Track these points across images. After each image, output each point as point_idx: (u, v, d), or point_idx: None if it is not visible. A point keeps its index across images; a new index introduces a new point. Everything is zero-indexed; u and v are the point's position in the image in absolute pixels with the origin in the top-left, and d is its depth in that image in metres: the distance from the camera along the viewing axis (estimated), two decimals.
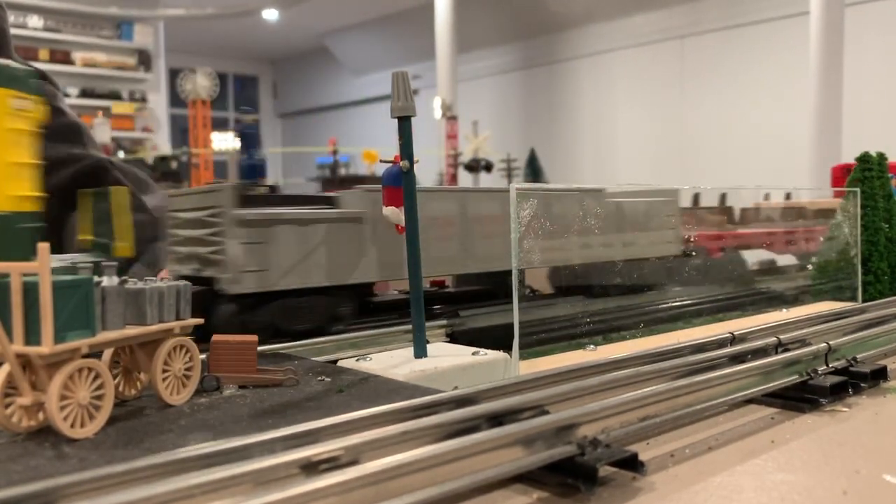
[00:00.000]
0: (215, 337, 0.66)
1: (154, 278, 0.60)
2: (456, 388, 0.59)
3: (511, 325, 0.70)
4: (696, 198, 1.68)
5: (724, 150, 7.39)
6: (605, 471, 0.48)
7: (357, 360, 0.74)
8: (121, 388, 0.61)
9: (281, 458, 0.41)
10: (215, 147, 8.88)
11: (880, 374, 0.73)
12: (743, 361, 0.70)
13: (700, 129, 7.82)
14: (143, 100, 10.47)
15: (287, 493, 0.38)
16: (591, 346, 0.86)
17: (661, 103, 8.37)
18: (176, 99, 10.19)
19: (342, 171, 9.37)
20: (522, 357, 0.72)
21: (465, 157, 8.13)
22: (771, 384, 0.67)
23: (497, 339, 0.79)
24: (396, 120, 0.75)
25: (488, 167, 8.02)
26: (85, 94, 9.75)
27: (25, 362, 0.51)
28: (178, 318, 0.61)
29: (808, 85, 5.61)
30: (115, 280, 0.56)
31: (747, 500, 0.46)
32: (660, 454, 0.54)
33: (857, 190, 1.15)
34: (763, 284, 1.36)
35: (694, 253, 1.28)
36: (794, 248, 1.59)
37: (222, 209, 0.82)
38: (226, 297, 0.81)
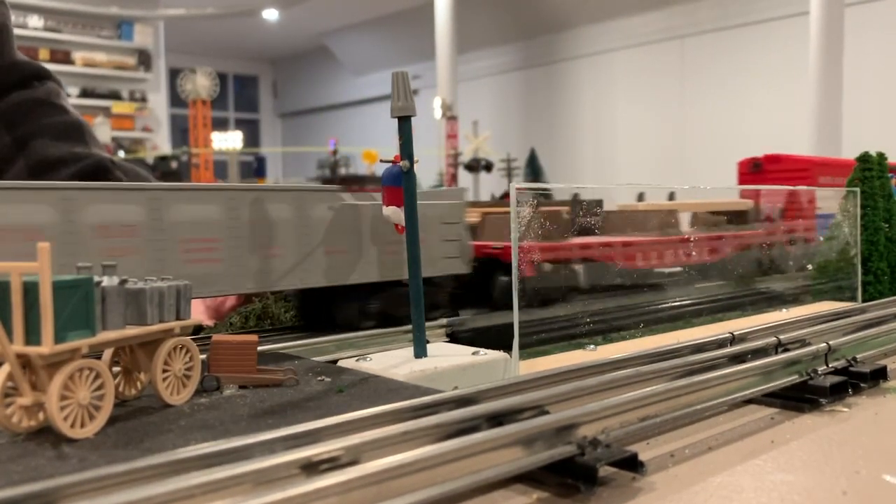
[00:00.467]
0: (215, 337, 0.67)
1: (154, 278, 0.60)
2: (456, 388, 0.59)
3: (511, 325, 0.70)
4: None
5: (723, 149, 7.37)
6: (604, 471, 0.48)
7: (357, 360, 0.74)
8: (121, 388, 0.61)
9: (281, 458, 0.41)
10: (215, 147, 8.88)
11: (880, 374, 0.73)
12: (743, 361, 0.70)
13: (700, 129, 7.82)
14: (143, 100, 10.47)
15: (287, 493, 0.38)
16: (591, 346, 0.86)
17: (661, 103, 8.36)
18: (176, 99, 10.19)
19: (342, 171, 9.37)
20: (522, 357, 0.72)
21: (465, 157, 8.14)
22: (771, 384, 0.67)
23: (497, 338, 0.79)
24: (396, 120, 0.75)
25: (488, 167, 8.02)
26: (85, 94, 9.75)
27: (25, 362, 0.51)
28: (178, 318, 0.61)
29: (808, 85, 5.61)
30: (116, 280, 0.56)
31: (747, 500, 0.46)
32: (660, 454, 0.54)
33: (858, 190, 1.15)
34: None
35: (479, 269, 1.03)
36: (675, 260, 1.31)
37: None
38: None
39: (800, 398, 0.67)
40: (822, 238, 1.38)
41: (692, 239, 1.38)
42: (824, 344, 0.74)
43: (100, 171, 1.26)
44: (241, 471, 0.39)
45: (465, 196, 1.02)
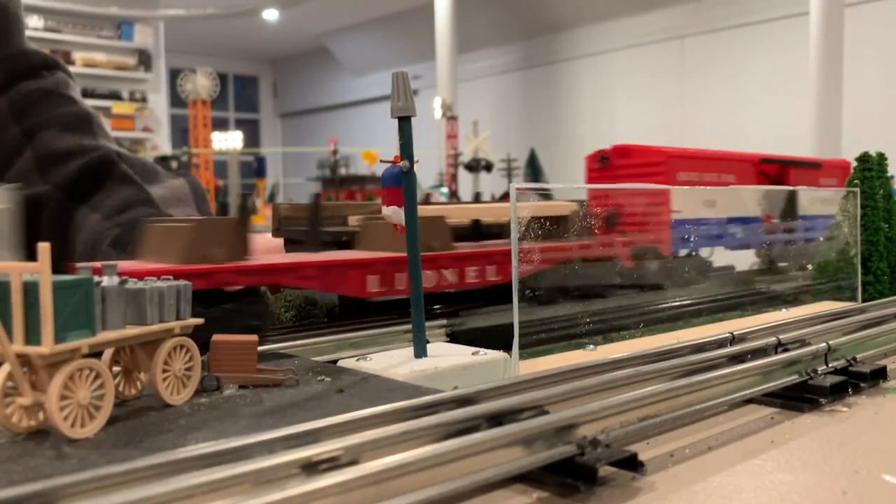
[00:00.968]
0: (215, 337, 0.67)
1: (154, 278, 0.60)
2: (456, 388, 0.59)
3: (511, 325, 0.70)
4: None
5: (723, 149, 7.38)
6: (604, 471, 0.48)
7: (357, 360, 0.74)
8: (121, 388, 0.61)
9: (281, 458, 0.41)
10: (215, 147, 8.88)
11: (880, 374, 0.73)
12: (743, 361, 0.70)
13: (700, 129, 7.82)
14: (144, 100, 10.47)
15: (287, 493, 0.38)
16: (591, 346, 0.86)
17: (661, 103, 8.36)
18: (176, 99, 10.19)
19: (342, 171, 9.37)
20: (522, 357, 0.72)
21: (465, 157, 8.13)
22: (771, 384, 0.67)
23: (497, 338, 0.79)
24: (396, 120, 0.75)
25: (488, 167, 8.01)
26: (85, 94, 9.74)
27: (25, 362, 0.51)
28: (178, 318, 0.61)
29: (808, 85, 5.61)
30: (116, 280, 0.56)
31: (747, 500, 0.46)
32: (660, 454, 0.55)
33: (858, 190, 1.15)
34: None
35: None
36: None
37: None
38: None
39: (800, 398, 0.67)
40: (682, 252, 1.34)
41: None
42: (824, 344, 0.74)
43: (105, 164, 1.25)
44: (241, 471, 0.39)
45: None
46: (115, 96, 10.22)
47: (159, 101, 10.61)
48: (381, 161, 0.89)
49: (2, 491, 0.35)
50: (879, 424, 0.62)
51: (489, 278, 1.02)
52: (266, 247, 1.12)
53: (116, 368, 0.60)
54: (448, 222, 1.03)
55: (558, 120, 9.50)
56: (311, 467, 0.42)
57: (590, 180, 1.47)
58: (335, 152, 9.05)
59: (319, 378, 0.68)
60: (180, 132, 11.23)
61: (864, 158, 1.19)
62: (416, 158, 0.76)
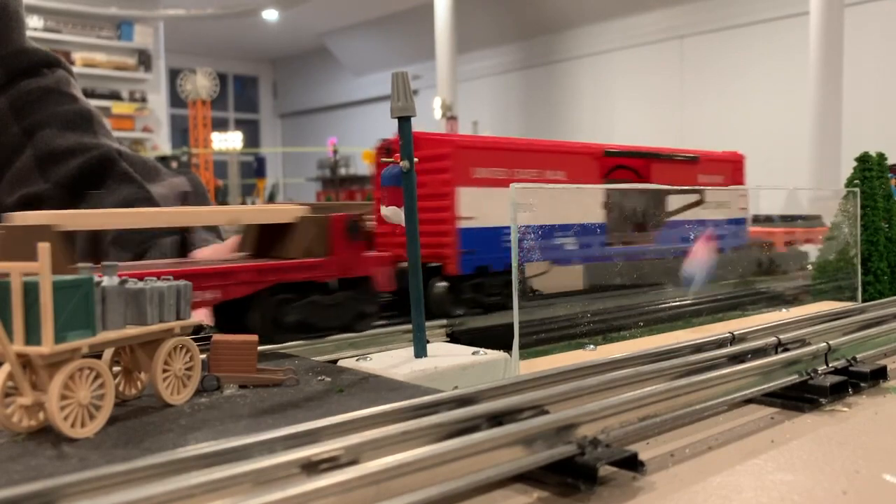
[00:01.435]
0: (215, 337, 0.67)
1: (154, 278, 0.60)
2: (456, 387, 0.59)
3: (511, 325, 0.70)
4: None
5: (723, 149, 7.39)
6: (604, 470, 0.48)
7: (357, 360, 0.74)
8: (121, 388, 0.61)
9: (281, 457, 0.41)
10: (215, 147, 8.88)
11: (880, 374, 0.73)
12: (743, 361, 0.70)
13: (700, 129, 7.82)
14: (143, 100, 10.47)
15: (287, 493, 0.38)
16: (591, 346, 0.86)
17: (661, 103, 8.37)
18: (176, 99, 10.19)
19: (342, 171, 9.37)
20: (522, 357, 0.72)
21: None
22: (771, 384, 0.67)
23: (497, 338, 0.79)
24: (396, 120, 0.75)
25: None
26: (85, 94, 9.66)
27: (26, 362, 0.51)
28: (178, 318, 0.61)
29: (808, 85, 5.61)
30: (116, 280, 0.56)
31: (747, 500, 0.46)
32: (660, 454, 0.55)
33: (857, 190, 1.15)
34: None
35: None
36: None
37: None
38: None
39: (800, 398, 0.67)
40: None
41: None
42: (824, 344, 0.74)
43: (105, 163, 1.25)
44: (241, 470, 0.39)
45: None
46: (115, 96, 10.22)
47: (159, 101, 10.61)
48: (381, 161, 0.89)
49: (2, 491, 0.35)
50: (879, 424, 0.62)
51: None
52: None
53: (116, 368, 0.60)
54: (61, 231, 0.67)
55: (558, 120, 9.50)
56: (311, 467, 0.42)
57: (377, 178, 1.06)
58: (335, 152, 9.05)
59: (319, 378, 0.68)
60: (180, 132, 11.24)
61: (864, 158, 1.19)
62: (415, 158, 0.76)
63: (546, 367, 0.63)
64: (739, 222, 1.37)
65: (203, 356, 0.64)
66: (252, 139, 13.32)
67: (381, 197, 0.79)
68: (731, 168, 1.43)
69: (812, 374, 0.69)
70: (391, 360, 0.74)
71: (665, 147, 1.40)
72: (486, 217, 1.03)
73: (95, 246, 1.14)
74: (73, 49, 9.78)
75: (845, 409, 0.66)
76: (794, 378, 0.69)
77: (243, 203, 8.88)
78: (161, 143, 10.48)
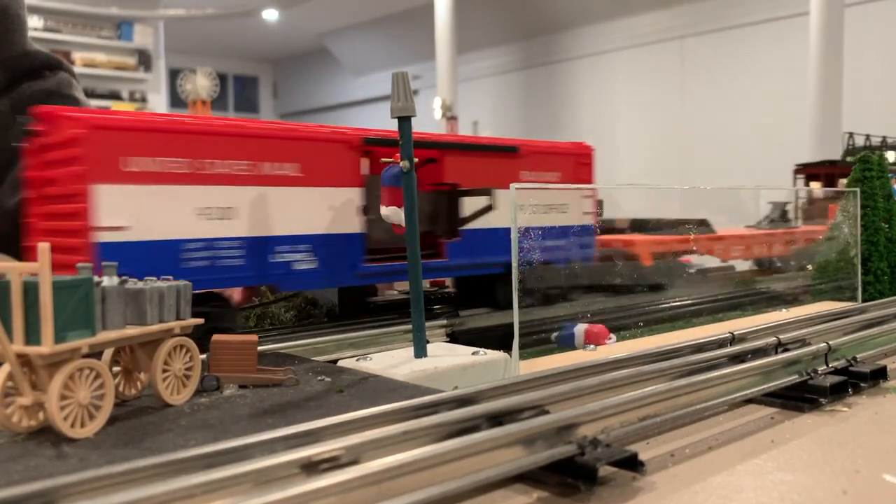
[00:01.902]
0: (215, 337, 0.66)
1: (154, 278, 0.60)
2: (456, 388, 0.59)
3: (511, 325, 0.70)
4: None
5: (723, 150, 7.38)
6: (605, 470, 0.48)
7: (357, 360, 0.74)
8: (121, 388, 0.61)
9: (281, 458, 0.41)
10: None
11: (880, 374, 0.73)
12: (743, 361, 0.70)
13: (700, 129, 7.82)
14: (143, 100, 10.47)
15: (287, 493, 0.38)
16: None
17: (661, 103, 8.36)
18: (176, 99, 10.17)
19: None
20: (522, 357, 0.72)
21: None
22: (771, 384, 0.67)
23: (497, 338, 0.79)
24: (396, 120, 0.75)
25: None
26: (85, 94, 9.69)
27: (26, 362, 0.51)
28: (178, 318, 0.61)
29: (808, 85, 5.61)
30: (116, 280, 0.56)
31: (747, 500, 0.46)
32: (660, 454, 0.54)
33: (857, 190, 1.15)
34: None
35: None
36: None
37: None
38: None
39: (800, 398, 0.67)
40: None
41: None
42: (824, 344, 0.74)
43: None
44: (241, 471, 0.39)
45: None
46: (115, 96, 10.21)
47: (159, 101, 10.60)
48: (381, 161, 0.89)
49: (2, 491, 0.35)
50: (879, 424, 0.62)
51: None
52: None
53: (116, 368, 0.60)
54: None
55: (558, 120, 9.50)
56: (312, 467, 0.41)
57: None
58: None
59: (319, 378, 0.68)
60: None
61: (864, 159, 1.19)
62: (415, 158, 0.76)
63: (546, 367, 0.63)
64: (584, 231, 1.11)
65: (203, 356, 0.64)
66: None
67: (382, 197, 0.79)
68: (572, 163, 1.15)
69: (812, 375, 0.69)
70: (391, 361, 0.74)
71: (470, 136, 1.21)
72: (151, 227, 0.76)
73: None
74: (74, 49, 9.77)
75: (845, 409, 0.66)
76: (794, 378, 0.69)
77: None
78: None
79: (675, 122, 8.21)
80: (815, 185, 2.41)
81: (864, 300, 1.13)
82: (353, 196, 0.91)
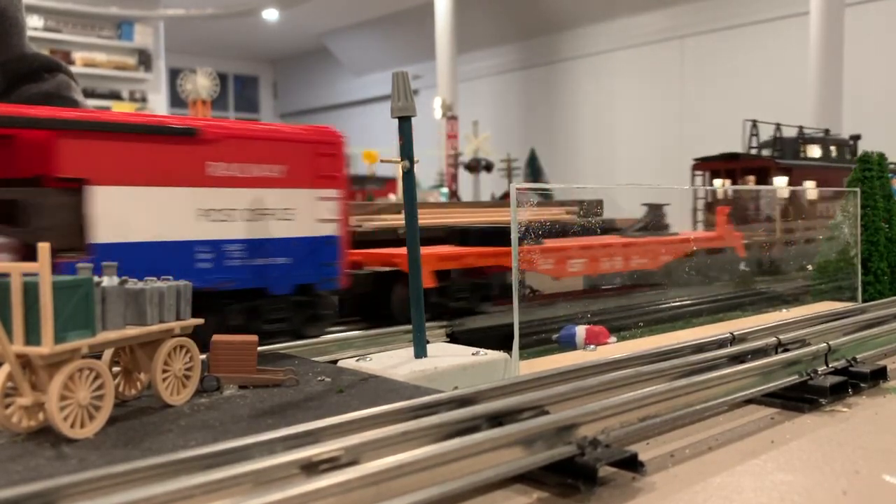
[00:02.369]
0: (215, 337, 0.66)
1: (154, 278, 0.60)
2: (456, 388, 0.59)
3: (511, 325, 0.70)
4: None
5: (723, 149, 7.40)
6: (604, 471, 0.48)
7: (357, 360, 0.74)
8: (121, 388, 0.61)
9: (281, 458, 0.41)
10: None
11: (880, 374, 0.73)
12: (743, 361, 0.70)
13: (700, 129, 7.82)
14: (144, 100, 10.47)
15: (287, 493, 0.38)
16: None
17: (661, 103, 8.37)
18: (176, 99, 10.17)
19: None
20: (522, 357, 0.72)
21: (466, 157, 8.13)
22: (771, 384, 0.67)
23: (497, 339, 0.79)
24: (396, 120, 0.75)
25: (488, 167, 8.01)
26: (85, 94, 9.69)
27: (25, 362, 0.51)
28: (178, 319, 0.61)
29: (808, 85, 5.61)
30: (116, 280, 0.56)
31: (747, 500, 0.46)
32: (660, 454, 0.54)
33: (857, 190, 1.15)
34: None
35: None
36: None
37: None
38: None
39: (800, 398, 0.67)
40: None
41: None
42: (824, 344, 0.74)
43: None
44: (241, 471, 0.39)
45: None
46: (115, 96, 10.20)
47: (159, 101, 10.60)
48: (382, 161, 0.89)
49: (2, 491, 0.35)
50: (879, 424, 0.62)
51: None
52: None
53: (116, 368, 0.60)
54: None
55: (558, 120, 9.50)
56: (311, 467, 0.41)
57: None
58: None
59: (319, 378, 0.68)
60: None
61: (864, 158, 1.19)
62: (416, 158, 0.76)
63: (546, 368, 0.63)
64: (319, 243, 0.86)
65: (203, 356, 0.64)
66: None
67: None
68: (307, 153, 0.86)
69: (812, 375, 0.69)
70: (391, 361, 0.74)
71: (119, 113, 0.87)
72: None
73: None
74: (74, 49, 9.77)
75: (845, 409, 0.66)
76: (794, 378, 0.69)
77: None
78: None
79: (675, 122, 8.20)
80: (720, 183, 2.09)
81: (864, 300, 1.13)
82: None
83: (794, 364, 0.71)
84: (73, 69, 1.43)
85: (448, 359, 0.74)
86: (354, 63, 12.31)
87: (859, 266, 1.14)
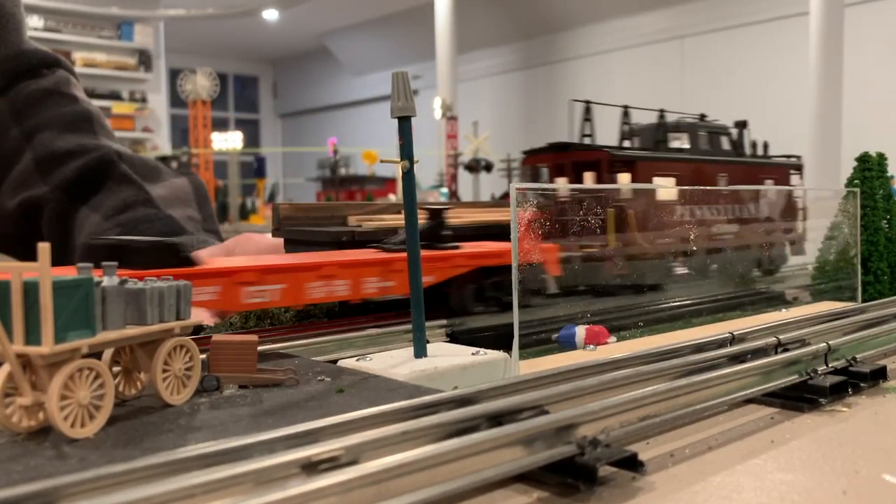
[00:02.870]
0: (215, 337, 0.67)
1: (154, 278, 0.60)
2: (456, 388, 0.59)
3: (511, 325, 0.70)
4: None
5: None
6: (604, 470, 0.48)
7: (357, 360, 0.74)
8: (121, 388, 0.61)
9: (281, 457, 0.41)
10: (215, 147, 8.88)
11: (880, 374, 0.73)
12: (743, 361, 0.70)
13: None
14: (144, 100, 10.48)
15: (287, 493, 0.38)
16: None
17: (661, 103, 8.38)
18: (176, 99, 10.19)
19: (342, 171, 9.36)
20: (522, 357, 0.72)
21: (465, 158, 8.14)
22: (771, 384, 0.67)
23: (497, 339, 0.79)
24: (396, 120, 0.75)
25: (488, 167, 8.02)
26: (85, 94, 9.74)
27: (26, 362, 0.51)
28: (178, 318, 0.61)
29: (808, 85, 5.62)
30: (116, 280, 0.56)
31: (747, 500, 0.46)
32: (660, 454, 0.54)
33: (857, 190, 1.15)
34: None
35: None
36: None
37: None
38: None
39: (800, 398, 0.67)
40: None
41: None
42: (824, 344, 0.74)
43: (105, 164, 1.24)
44: (241, 471, 0.39)
45: None
46: (115, 96, 10.22)
47: (159, 101, 10.62)
48: (382, 161, 0.89)
49: (2, 491, 0.35)
50: (879, 424, 0.62)
51: None
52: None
53: (116, 368, 0.60)
54: None
55: (558, 120, 9.51)
56: (311, 467, 0.41)
57: None
58: (335, 152, 9.04)
59: (319, 378, 0.68)
60: (180, 132, 11.24)
61: (864, 158, 1.19)
62: (416, 159, 0.76)
63: (546, 367, 0.63)
64: None
65: (203, 356, 0.64)
66: (252, 139, 13.33)
67: None
68: None
69: (812, 375, 0.69)
70: (391, 360, 0.74)
71: None
72: None
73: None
74: (74, 49, 9.78)
75: (845, 409, 0.66)
76: (794, 378, 0.69)
77: (243, 204, 8.88)
78: (161, 143, 10.48)
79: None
80: (562, 181, 1.44)
81: (864, 300, 1.13)
82: None
83: (794, 364, 0.71)
84: (73, 67, 1.42)
85: (448, 359, 0.74)
86: (354, 63, 12.32)
87: (859, 266, 1.14)
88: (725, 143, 1.66)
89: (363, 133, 11.66)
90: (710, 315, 1.15)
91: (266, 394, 0.63)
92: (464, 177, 8.21)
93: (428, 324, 0.82)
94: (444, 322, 0.97)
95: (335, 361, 0.76)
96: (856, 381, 0.71)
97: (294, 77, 14.17)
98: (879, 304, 1.04)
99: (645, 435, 0.57)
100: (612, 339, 0.89)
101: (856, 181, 1.17)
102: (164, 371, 0.59)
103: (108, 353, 0.59)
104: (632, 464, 0.48)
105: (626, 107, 1.69)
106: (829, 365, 0.73)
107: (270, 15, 10.95)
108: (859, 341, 0.82)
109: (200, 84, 8.86)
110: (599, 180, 1.35)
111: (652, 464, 0.52)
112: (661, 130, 1.66)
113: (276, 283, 0.83)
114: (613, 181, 1.34)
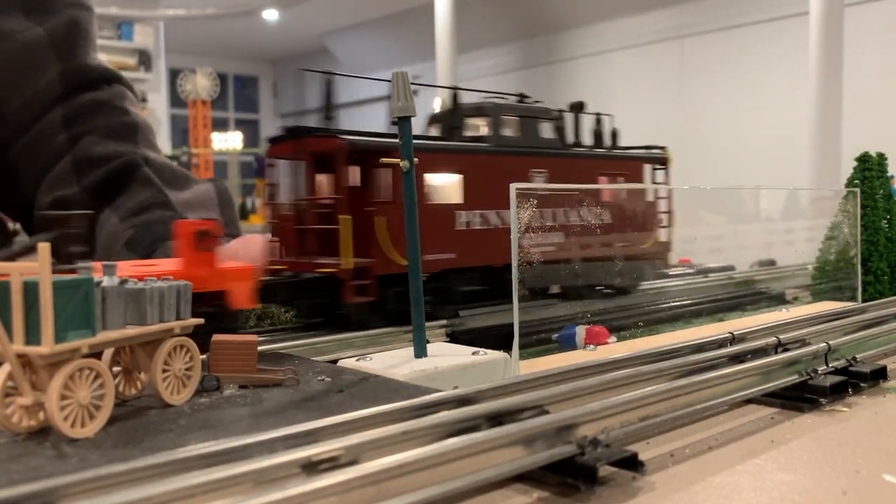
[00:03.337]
0: (215, 337, 0.66)
1: (154, 278, 0.60)
2: (456, 387, 0.59)
3: (511, 325, 0.70)
4: None
5: (724, 150, 7.39)
6: (604, 470, 0.48)
7: (357, 359, 0.74)
8: (121, 388, 0.61)
9: (281, 457, 0.41)
10: (215, 147, 8.87)
11: (880, 374, 0.73)
12: (743, 361, 0.70)
13: (700, 130, 7.82)
14: (144, 100, 10.46)
15: (287, 492, 0.38)
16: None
17: (661, 103, 8.37)
18: (176, 99, 10.18)
19: None
20: (522, 357, 0.72)
21: None
22: (771, 384, 0.67)
23: (497, 338, 0.79)
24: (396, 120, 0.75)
25: None
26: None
27: (26, 362, 0.51)
28: (178, 318, 0.61)
29: (808, 85, 5.62)
30: (116, 280, 0.56)
31: (747, 500, 0.46)
32: (660, 454, 0.54)
33: (857, 190, 1.15)
34: None
35: None
36: None
37: None
38: None
39: (800, 398, 0.67)
40: None
41: None
42: (824, 344, 0.74)
43: (129, 168, 1.30)
44: (241, 471, 0.39)
45: None
46: None
47: (159, 101, 10.61)
48: (382, 161, 0.89)
49: (2, 491, 0.35)
50: (879, 424, 0.62)
51: None
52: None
53: (116, 368, 0.60)
54: None
55: None
56: (311, 467, 0.41)
57: None
58: None
59: (319, 378, 0.68)
60: (180, 132, 11.23)
61: (864, 158, 1.19)
62: (415, 158, 0.76)
63: (546, 367, 0.63)
64: None
65: (203, 356, 0.64)
66: (252, 139, 13.32)
67: None
68: None
69: (812, 374, 0.69)
70: (391, 360, 0.74)
71: None
72: None
73: (110, 249, 1.17)
74: None
75: (845, 409, 0.66)
76: (794, 378, 0.69)
77: (243, 204, 8.87)
78: (161, 143, 10.43)
79: (674, 122, 8.21)
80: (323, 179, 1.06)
81: (864, 300, 1.13)
82: None
83: (794, 364, 0.71)
84: (132, 84, 1.49)
85: (448, 358, 0.74)
86: (354, 63, 12.32)
87: (859, 266, 1.14)
88: (547, 132, 1.23)
89: None
90: (710, 315, 1.15)
91: (266, 394, 0.63)
92: None
93: (428, 324, 0.82)
94: (444, 322, 0.97)
95: (335, 361, 0.76)
96: (856, 381, 0.71)
97: (294, 77, 14.16)
98: (879, 304, 1.04)
99: (645, 435, 0.57)
100: (613, 339, 0.89)
101: (856, 181, 1.17)
102: (164, 371, 0.59)
103: (108, 353, 0.59)
104: (632, 464, 0.48)
105: (454, 87, 1.28)
106: (830, 365, 0.73)
107: (270, 15, 10.94)
108: (859, 341, 0.82)
109: (200, 84, 8.86)
110: (336, 179, 0.97)
111: (652, 464, 0.52)
112: (456, 115, 1.23)
113: None
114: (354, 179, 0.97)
